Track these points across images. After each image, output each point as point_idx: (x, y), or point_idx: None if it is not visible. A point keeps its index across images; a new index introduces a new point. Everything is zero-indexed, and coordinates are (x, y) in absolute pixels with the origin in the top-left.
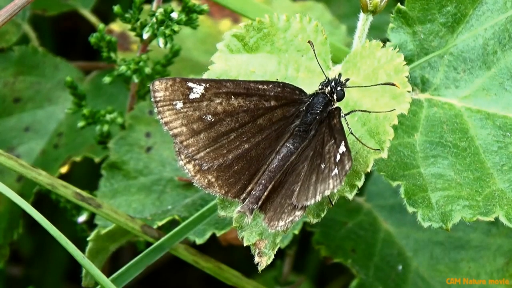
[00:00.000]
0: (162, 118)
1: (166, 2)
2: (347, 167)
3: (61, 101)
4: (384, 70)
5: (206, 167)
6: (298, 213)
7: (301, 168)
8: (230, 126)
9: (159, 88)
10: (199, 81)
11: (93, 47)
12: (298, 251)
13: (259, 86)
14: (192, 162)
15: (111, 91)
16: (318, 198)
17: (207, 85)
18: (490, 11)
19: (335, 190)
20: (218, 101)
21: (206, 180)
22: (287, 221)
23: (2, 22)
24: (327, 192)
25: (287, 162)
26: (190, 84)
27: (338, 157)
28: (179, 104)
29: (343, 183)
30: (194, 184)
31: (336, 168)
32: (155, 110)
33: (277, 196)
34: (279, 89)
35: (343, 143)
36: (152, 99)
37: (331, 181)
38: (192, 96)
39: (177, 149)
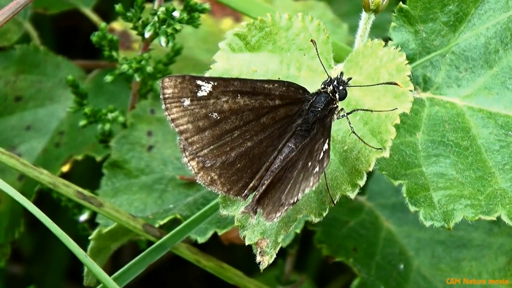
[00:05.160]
0: (169, 115)
1: (167, 1)
2: (325, 164)
3: (63, 100)
4: (386, 69)
5: (209, 164)
6: (289, 207)
7: (297, 166)
8: (234, 124)
9: (168, 85)
10: (207, 79)
11: (95, 46)
12: (300, 250)
13: (265, 85)
14: (196, 159)
15: (113, 90)
16: (300, 195)
17: (215, 83)
18: (492, 10)
19: (313, 188)
20: (224, 99)
21: (209, 178)
22: (282, 214)
23: (4, 21)
24: (307, 190)
25: (287, 159)
26: (199, 82)
27: (322, 155)
28: (187, 102)
29: (320, 181)
30: (197, 181)
31: (318, 166)
32: (163, 106)
33: (276, 192)
34: (284, 88)
35: (327, 141)
36: (161, 96)
37: (311, 178)
38: (200, 93)
39: (182, 146)
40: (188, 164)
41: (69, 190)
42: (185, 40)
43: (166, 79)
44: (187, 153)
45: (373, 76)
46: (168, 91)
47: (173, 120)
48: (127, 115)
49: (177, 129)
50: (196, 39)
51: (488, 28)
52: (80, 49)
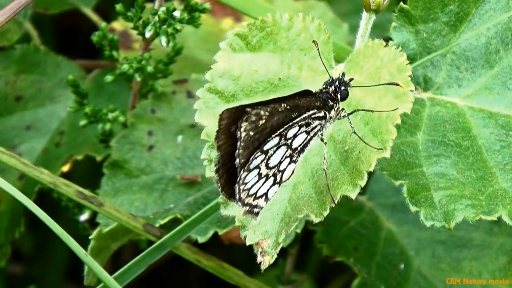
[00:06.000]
0: (217, 142)
1: (168, 1)
2: None
3: (63, 100)
4: (387, 69)
5: (232, 180)
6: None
7: None
8: None
9: (225, 117)
10: (255, 104)
11: (95, 46)
12: (300, 249)
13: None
14: (225, 175)
15: (113, 90)
16: None
17: (267, 110)
18: (493, 10)
19: None
20: (263, 115)
21: (230, 191)
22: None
23: (6, 20)
24: None
25: None
26: (248, 109)
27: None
28: (233, 128)
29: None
30: (221, 195)
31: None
32: (215, 135)
33: None
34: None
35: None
36: (217, 127)
37: None
38: (244, 117)
39: (216, 167)
40: (217, 181)
41: (70, 189)
42: (185, 40)
43: (225, 111)
44: (220, 172)
45: (374, 76)
46: (224, 122)
47: (219, 147)
48: (127, 115)
49: (219, 153)
50: (197, 39)
51: (489, 28)
52: (80, 49)
